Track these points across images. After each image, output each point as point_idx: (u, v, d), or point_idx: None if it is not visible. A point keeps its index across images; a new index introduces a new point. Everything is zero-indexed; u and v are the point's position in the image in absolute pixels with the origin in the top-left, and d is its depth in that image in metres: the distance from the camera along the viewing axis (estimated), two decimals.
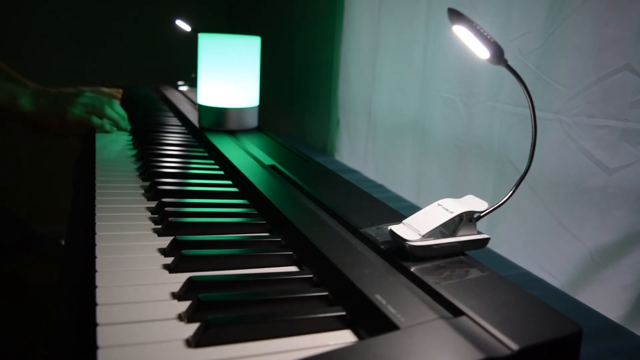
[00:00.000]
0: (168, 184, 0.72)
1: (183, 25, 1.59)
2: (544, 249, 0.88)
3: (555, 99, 0.84)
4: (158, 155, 0.89)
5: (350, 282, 0.43)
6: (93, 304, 0.41)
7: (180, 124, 1.21)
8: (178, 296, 0.44)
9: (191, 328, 0.39)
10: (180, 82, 1.79)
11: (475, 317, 0.37)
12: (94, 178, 0.75)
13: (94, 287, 0.44)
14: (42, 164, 2.12)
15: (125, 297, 0.43)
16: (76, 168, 1.00)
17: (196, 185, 0.74)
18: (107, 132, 1.06)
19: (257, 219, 0.63)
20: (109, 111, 1.06)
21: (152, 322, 0.40)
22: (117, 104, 1.10)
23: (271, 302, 0.43)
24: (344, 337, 0.41)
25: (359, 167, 1.43)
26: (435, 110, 1.13)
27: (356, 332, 0.41)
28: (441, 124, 1.12)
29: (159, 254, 0.52)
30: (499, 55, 0.47)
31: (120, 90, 1.45)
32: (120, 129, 1.09)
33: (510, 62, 0.48)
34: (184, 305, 0.43)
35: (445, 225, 0.47)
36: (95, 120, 1.03)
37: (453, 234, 0.48)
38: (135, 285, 0.45)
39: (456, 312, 0.38)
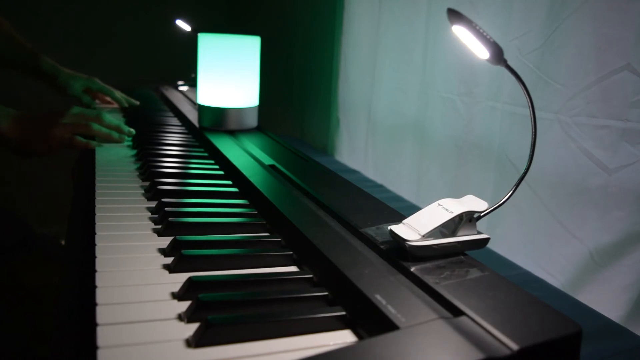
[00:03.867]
0: (168, 184, 0.72)
1: (183, 25, 1.59)
2: (544, 249, 0.88)
3: (555, 99, 0.84)
4: (158, 155, 0.89)
5: (350, 282, 0.43)
6: (93, 304, 0.41)
7: (180, 124, 1.21)
8: (178, 296, 0.44)
9: (191, 328, 0.39)
10: (180, 82, 1.79)
11: (475, 317, 0.37)
12: (94, 178, 0.75)
13: (94, 287, 0.44)
14: (42, 164, 2.11)
15: (125, 297, 0.43)
16: (76, 168, 0.99)
17: (196, 185, 0.74)
18: (93, 147, 0.95)
19: (257, 219, 0.63)
20: (96, 127, 0.96)
21: (152, 322, 0.40)
22: (107, 116, 1.00)
23: (271, 302, 0.43)
24: (344, 337, 0.41)
25: (359, 167, 1.43)
26: (435, 110, 1.13)
27: (356, 332, 0.41)
28: (441, 124, 1.12)
29: (159, 254, 0.52)
30: (498, 55, 0.47)
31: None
32: (114, 141, 0.99)
33: (510, 62, 0.48)
34: (184, 305, 0.43)
35: (445, 225, 0.47)
36: (80, 140, 0.94)
37: (453, 234, 0.48)
38: (135, 285, 0.45)
39: (456, 312, 0.38)
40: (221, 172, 0.82)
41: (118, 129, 1.00)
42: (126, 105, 1.39)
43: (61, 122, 0.95)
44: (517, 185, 0.49)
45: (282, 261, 0.53)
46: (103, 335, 0.37)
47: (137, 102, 1.42)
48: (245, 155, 0.86)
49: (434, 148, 1.15)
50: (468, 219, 0.48)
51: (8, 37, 1.32)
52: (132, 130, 1.02)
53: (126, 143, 1.01)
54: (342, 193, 0.67)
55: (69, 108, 0.99)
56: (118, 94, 1.40)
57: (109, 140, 0.98)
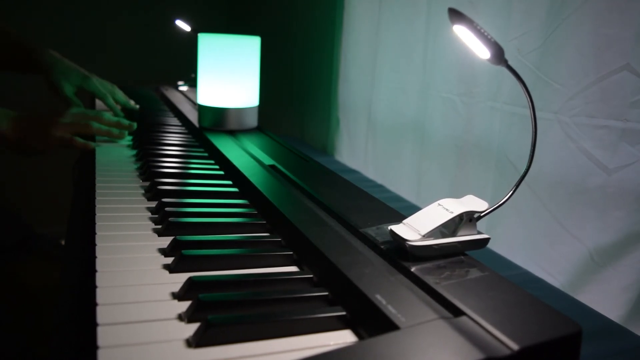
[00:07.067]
0: (168, 184, 0.72)
1: (183, 25, 1.59)
2: (543, 249, 0.88)
3: (555, 99, 0.84)
4: (158, 155, 0.89)
5: (350, 282, 0.43)
6: (93, 304, 0.41)
7: (180, 124, 1.21)
8: (178, 296, 0.44)
9: (191, 328, 0.39)
10: (180, 82, 1.79)
11: (475, 317, 0.37)
12: (94, 178, 0.75)
13: (94, 287, 0.44)
14: (42, 164, 2.12)
15: (126, 297, 0.43)
16: (76, 168, 1.00)
17: (196, 185, 0.74)
18: (92, 148, 0.97)
19: (257, 219, 0.63)
20: (96, 126, 0.97)
21: (152, 322, 0.40)
22: (106, 114, 1.01)
23: (271, 302, 0.43)
24: (344, 337, 0.41)
25: (359, 167, 1.43)
26: (435, 110, 1.13)
27: (356, 332, 0.41)
28: (441, 124, 1.12)
29: (159, 254, 0.52)
30: (499, 55, 0.47)
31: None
32: (115, 136, 1.00)
33: (510, 62, 0.48)
34: (184, 305, 0.43)
35: (445, 225, 0.47)
36: (78, 140, 0.95)
37: (453, 234, 0.48)
38: (136, 285, 0.45)
39: (456, 312, 0.38)
40: (221, 172, 0.82)
41: (118, 125, 1.01)
42: (121, 114, 1.31)
43: (60, 122, 0.96)
44: (517, 185, 0.49)
45: (282, 261, 0.53)
46: (103, 335, 0.37)
47: (137, 107, 1.35)
48: (245, 155, 0.86)
49: (434, 148, 1.15)
50: (468, 219, 0.48)
51: None
52: (134, 123, 1.04)
53: (126, 143, 1.01)
54: (342, 193, 0.67)
55: (69, 108, 1.00)
56: (120, 94, 1.33)
57: (109, 136, 1.00)
